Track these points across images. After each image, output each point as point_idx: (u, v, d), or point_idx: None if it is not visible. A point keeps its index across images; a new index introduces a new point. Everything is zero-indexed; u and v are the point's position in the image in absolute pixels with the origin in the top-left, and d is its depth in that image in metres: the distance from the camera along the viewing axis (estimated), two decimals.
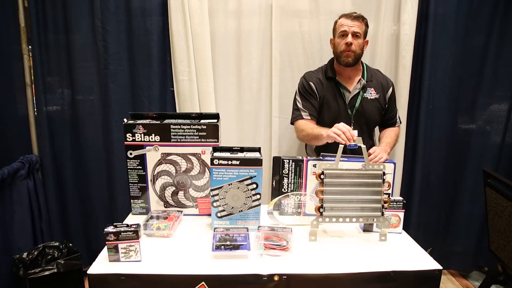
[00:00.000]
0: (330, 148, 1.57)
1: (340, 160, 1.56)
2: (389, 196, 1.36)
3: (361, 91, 1.75)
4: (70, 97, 2.10)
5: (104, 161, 2.17)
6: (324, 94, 1.77)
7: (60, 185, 2.18)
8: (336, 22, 1.75)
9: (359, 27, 1.67)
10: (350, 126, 1.74)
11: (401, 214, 1.43)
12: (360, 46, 1.69)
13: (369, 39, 1.79)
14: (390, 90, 1.81)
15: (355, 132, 1.40)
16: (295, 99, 1.83)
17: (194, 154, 1.51)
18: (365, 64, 1.83)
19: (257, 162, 1.36)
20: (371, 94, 1.77)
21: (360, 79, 1.75)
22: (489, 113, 2.23)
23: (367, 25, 1.72)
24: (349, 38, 1.65)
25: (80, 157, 2.16)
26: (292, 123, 1.83)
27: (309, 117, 1.75)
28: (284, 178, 1.59)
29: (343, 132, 1.40)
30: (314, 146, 1.87)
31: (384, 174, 1.34)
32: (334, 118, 1.74)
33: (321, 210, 1.31)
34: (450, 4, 2.05)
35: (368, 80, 1.76)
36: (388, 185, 1.35)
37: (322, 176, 1.32)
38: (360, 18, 1.68)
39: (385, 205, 1.33)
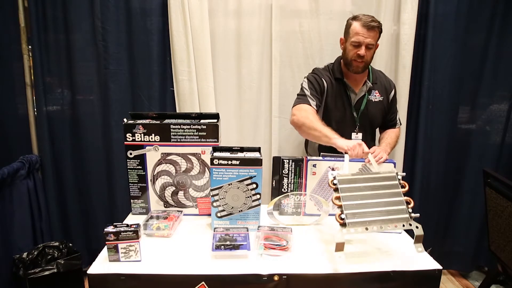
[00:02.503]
0: (333, 148, 1.56)
1: (340, 160, 1.56)
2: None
3: (366, 94, 1.73)
4: (70, 97, 2.10)
5: (104, 161, 2.17)
6: (332, 96, 1.73)
7: (60, 185, 2.18)
8: (350, 24, 1.64)
9: (374, 38, 1.60)
10: (355, 129, 1.75)
11: None
12: (371, 55, 1.65)
13: None
14: (392, 92, 1.80)
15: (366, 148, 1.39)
16: (301, 88, 1.73)
17: (194, 154, 1.51)
18: (370, 66, 1.80)
19: (257, 162, 1.36)
20: (376, 96, 1.75)
21: (366, 81, 1.73)
22: (489, 113, 2.23)
23: (381, 31, 1.64)
24: (362, 51, 1.59)
25: (80, 157, 2.16)
26: (292, 108, 1.70)
27: (315, 108, 1.66)
28: (284, 178, 1.59)
29: (359, 151, 1.38)
30: (317, 145, 1.85)
31: (397, 174, 1.26)
32: (339, 120, 1.73)
33: (343, 217, 1.13)
34: (450, 4, 2.05)
35: (373, 82, 1.75)
36: (405, 186, 1.24)
37: (335, 182, 1.21)
38: (376, 28, 1.59)
39: (409, 205, 1.20)
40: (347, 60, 1.67)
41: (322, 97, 1.72)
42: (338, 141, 1.43)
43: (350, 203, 1.17)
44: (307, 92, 1.69)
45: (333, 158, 1.55)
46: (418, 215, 1.18)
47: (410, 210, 1.18)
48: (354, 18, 1.63)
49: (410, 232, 1.47)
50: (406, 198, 1.22)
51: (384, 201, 1.19)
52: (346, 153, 1.37)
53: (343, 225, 1.13)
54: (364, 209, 1.17)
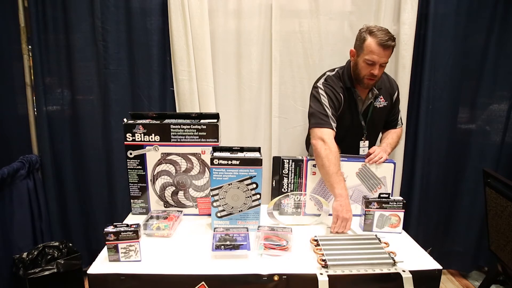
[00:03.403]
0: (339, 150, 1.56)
1: (341, 160, 1.56)
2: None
3: (372, 101, 1.70)
4: (70, 97, 2.10)
5: (104, 161, 2.17)
6: (344, 105, 1.67)
7: (60, 185, 2.18)
8: (364, 39, 1.53)
9: (388, 56, 1.54)
10: (363, 137, 1.73)
11: (401, 214, 1.43)
12: (382, 71, 1.60)
13: None
14: (396, 94, 1.78)
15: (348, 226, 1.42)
16: (320, 102, 1.61)
17: (194, 154, 1.51)
18: None
19: (257, 162, 1.36)
20: (380, 102, 1.72)
21: (372, 88, 1.68)
22: (489, 113, 2.23)
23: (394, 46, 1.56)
24: (377, 70, 1.53)
25: (80, 157, 2.16)
26: (313, 126, 1.60)
27: (335, 130, 1.58)
28: (284, 178, 1.59)
29: (341, 226, 1.40)
30: None
31: (376, 236, 1.32)
32: (348, 129, 1.71)
33: (324, 258, 1.17)
34: (450, 4, 2.04)
35: (378, 87, 1.70)
36: (386, 244, 1.30)
37: (316, 238, 1.29)
38: (392, 47, 1.52)
39: (393, 254, 1.22)
40: (358, 77, 1.60)
41: (339, 107, 1.65)
42: (335, 203, 1.43)
43: (332, 252, 1.21)
44: (329, 112, 1.58)
45: None
46: (403, 261, 1.18)
47: (393, 256, 1.20)
48: (370, 32, 1.52)
49: (410, 233, 1.47)
50: (389, 250, 1.25)
51: (366, 252, 1.23)
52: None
53: (325, 266, 1.15)
54: (346, 256, 1.20)
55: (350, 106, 1.69)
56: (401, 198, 1.43)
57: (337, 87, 1.64)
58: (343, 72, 1.69)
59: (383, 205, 1.41)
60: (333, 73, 1.71)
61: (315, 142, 1.55)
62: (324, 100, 1.61)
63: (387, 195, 1.43)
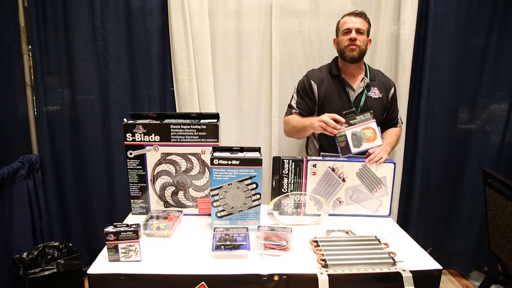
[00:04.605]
0: (334, 149, 1.57)
1: (340, 160, 1.56)
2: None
3: (365, 90, 1.74)
4: (70, 97, 2.10)
5: (104, 161, 2.17)
6: (326, 93, 1.75)
7: (60, 185, 2.18)
8: (339, 22, 1.77)
9: (362, 24, 1.69)
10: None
11: (374, 125, 1.34)
12: (364, 42, 1.70)
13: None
14: (392, 90, 1.81)
15: (342, 119, 1.45)
16: (292, 96, 1.85)
17: (194, 154, 1.51)
18: (367, 64, 1.83)
19: (257, 162, 1.36)
20: (375, 93, 1.76)
21: (363, 78, 1.75)
22: (489, 113, 2.23)
23: (369, 23, 1.74)
24: (353, 34, 1.67)
25: (80, 157, 2.16)
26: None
27: (297, 113, 1.79)
28: (284, 178, 1.59)
29: (326, 123, 1.45)
30: (317, 146, 1.86)
31: (376, 237, 1.30)
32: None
33: (324, 258, 1.17)
34: (450, 4, 2.05)
35: (371, 79, 1.76)
36: (386, 245, 1.28)
37: (315, 239, 1.29)
38: (363, 15, 1.70)
39: (392, 254, 1.21)
40: (341, 51, 1.72)
41: (313, 100, 1.78)
42: (315, 122, 1.54)
43: (331, 252, 1.21)
44: (293, 102, 1.82)
45: (333, 158, 1.56)
46: (403, 261, 1.18)
47: (393, 256, 1.20)
48: (342, 17, 1.77)
49: (410, 233, 1.47)
50: (388, 250, 1.24)
51: (365, 252, 1.23)
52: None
53: (325, 266, 1.15)
54: (346, 256, 1.20)
55: (340, 95, 1.75)
56: (369, 112, 1.40)
57: (312, 77, 1.79)
58: (330, 64, 1.82)
59: (351, 122, 1.37)
60: (319, 66, 1.88)
61: (285, 131, 1.84)
62: (294, 94, 1.84)
63: (351, 112, 1.38)
